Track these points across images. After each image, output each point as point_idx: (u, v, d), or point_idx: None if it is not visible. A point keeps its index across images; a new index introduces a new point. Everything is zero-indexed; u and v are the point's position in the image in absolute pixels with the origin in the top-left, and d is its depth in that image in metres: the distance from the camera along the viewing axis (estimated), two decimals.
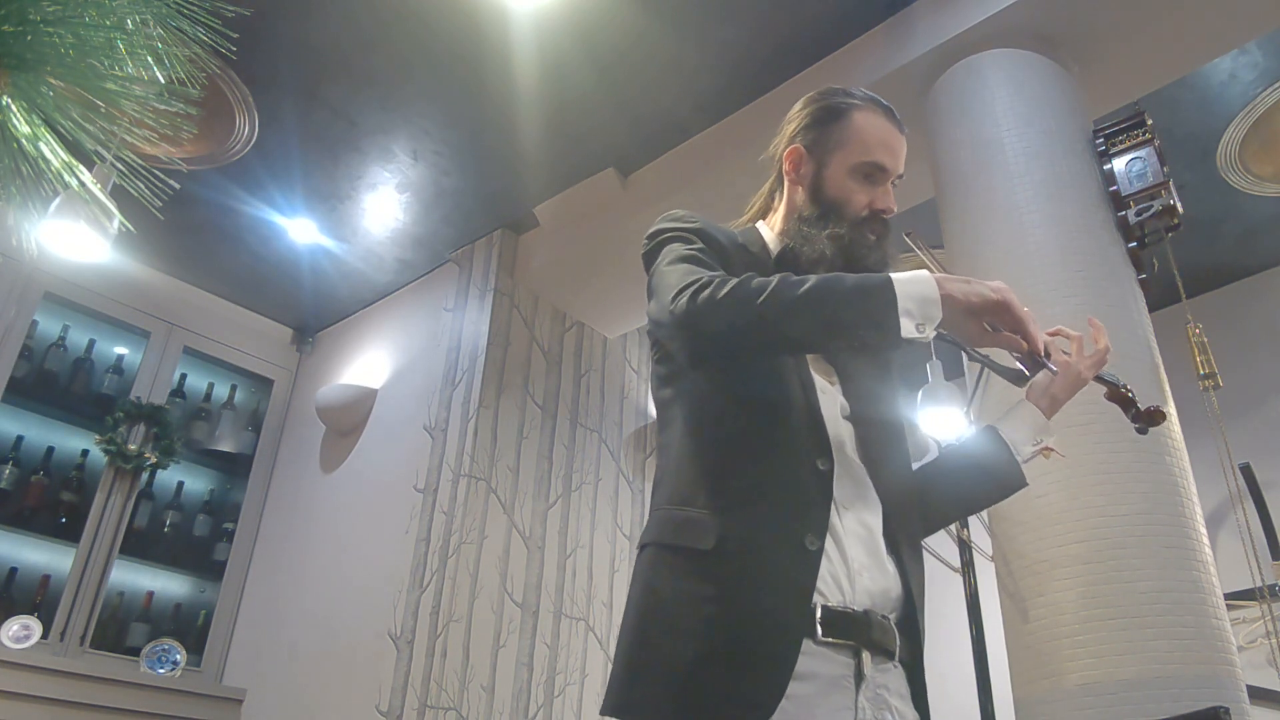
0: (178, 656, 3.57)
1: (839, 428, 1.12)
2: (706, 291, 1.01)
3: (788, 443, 1.07)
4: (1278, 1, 2.39)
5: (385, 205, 3.57)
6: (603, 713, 1.00)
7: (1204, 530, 1.92)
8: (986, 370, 2.15)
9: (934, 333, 0.99)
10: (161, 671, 3.52)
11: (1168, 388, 2.08)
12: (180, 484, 3.98)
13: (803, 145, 1.26)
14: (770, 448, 1.07)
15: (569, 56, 2.84)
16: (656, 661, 0.98)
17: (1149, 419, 1.25)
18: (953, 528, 2.58)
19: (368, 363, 4.03)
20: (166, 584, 3.90)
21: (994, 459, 1.23)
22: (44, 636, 3.27)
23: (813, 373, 1.14)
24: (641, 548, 1.09)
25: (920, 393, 2.82)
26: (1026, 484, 1.25)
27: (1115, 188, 2.28)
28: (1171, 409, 2.05)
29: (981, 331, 1.03)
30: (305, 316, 4.35)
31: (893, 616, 1.06)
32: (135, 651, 3.55)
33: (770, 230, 1.28)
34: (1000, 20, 2.47)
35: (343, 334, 4.31)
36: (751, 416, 1.09)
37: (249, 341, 4.26)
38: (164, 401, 3.84)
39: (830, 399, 1.14)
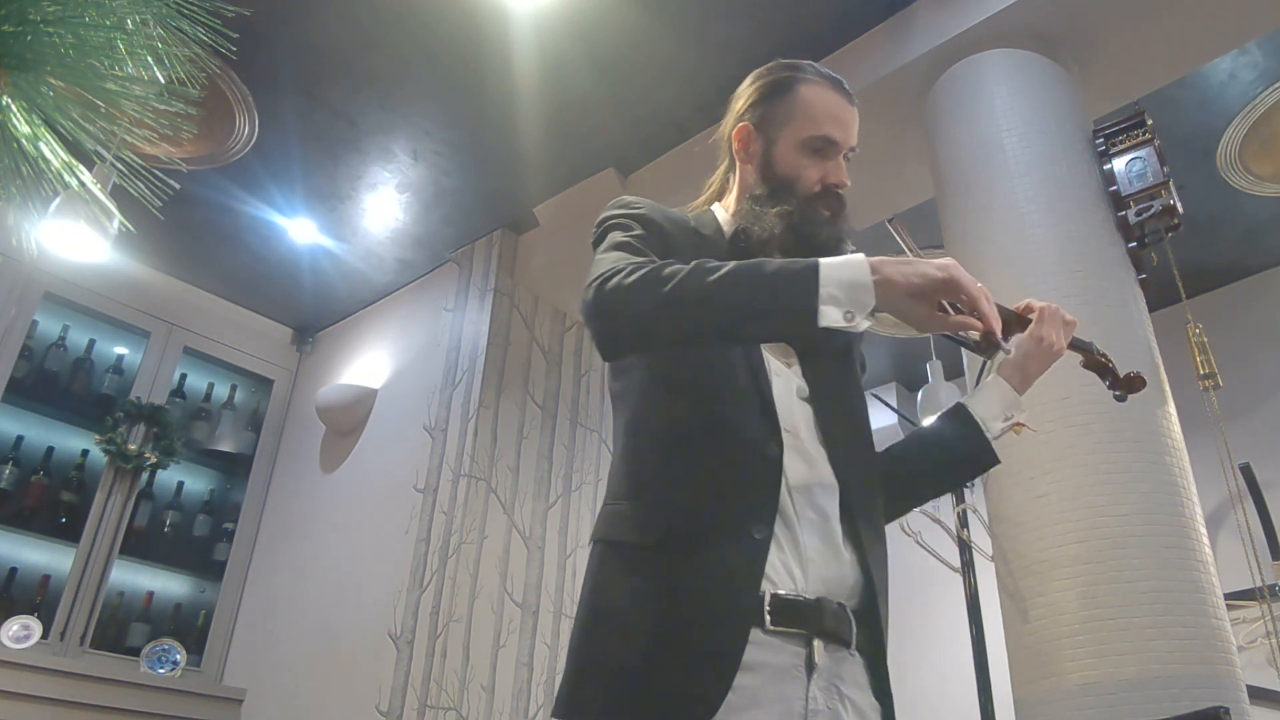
0: (178, 656, 3.57)
1: (794, 410, 1.09)
2: (616, 279, 0.98)
3: (733, 430, 1.03)
4: (1278, 1, 2.39)
5: (385, 205, 3.57)
6: (553, 714, 0.99)
7: (1204, 530, 1.92)
8: (989, 368, 2.15)
9: (866, 321, 0.93)
10: (161, 671, 3.52)
11: (1168, 388, 2.08)
12: (180, 484, 3.98)
13: (750, 122, 1.23)
14: (714, 436, 1.03)
15: (569, 56, 2.84)
16: (602, 661, 0.96)
17: (1129, 385, 1.22)
18: (953, 528, 2.58)
19: (368, 363, 4.03)
20: (166, 584, 3.90)
21: (963, 437, 1.20)
22: (44, 636, 3.27)
23: (767, 355, 1.11)
24: (592, 543, 1.07)
25: (920, 393, 2.82)
26: (999, 461, 1.21)
27: (1115, 188, 2.29)
28: (1171, 409, 2.05)
29: (930, 315, 0.95)
30: (305, 316, 4.35)
31: (850, 604, 1.02)
32: (135, 651, 3.55)
33: (725, 212, 1.25)
34: (1000, 20, 2.47)
35: (343, 334, 4.31)
36: (694, 405, 1.06)
37: (249, 341, 4.26)
38: (164, 401, 3.84)
39: (785, 381, 1.11)
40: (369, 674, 3.16)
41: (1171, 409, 2.05)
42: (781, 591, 0.97)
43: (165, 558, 3.84)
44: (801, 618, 0.97)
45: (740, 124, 1.24)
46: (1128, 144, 2.32)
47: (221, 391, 4.22)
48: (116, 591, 3.67)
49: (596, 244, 1.15)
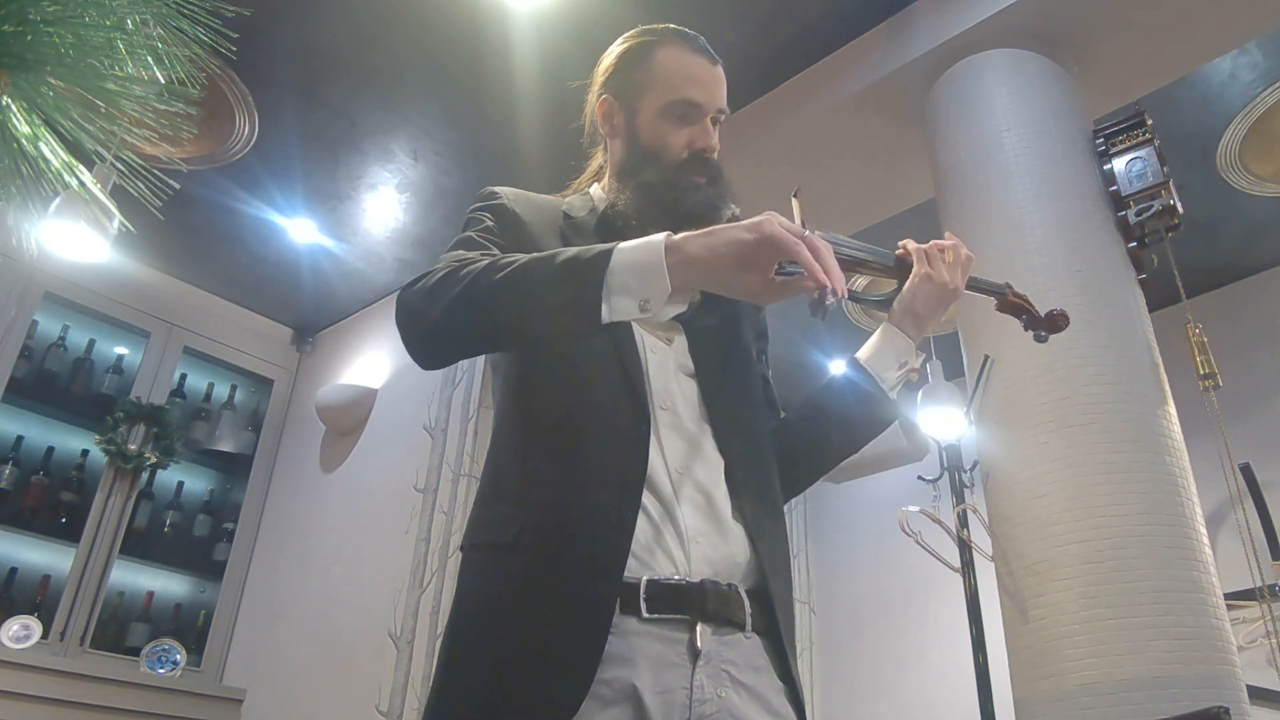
0: (178, 656, 3.57)
1: (671, 387, 1.03)
2: (420, 283, 0.93)
3: (596, 415, 0.97)
4: (1278, 1, 2.39)
5: (385, 205, 3.57)
6: None
7: (1204, 530, 1.92)
8: (988, 369, 2.15)
9: (672, 308, 0.86)
10: (161, 671, 3.52)
11: (1168, 388, 2.08)
12: (180, 484, 3.98)
13: (611, 94, 1.18)
14: (572, 424, 0.97)
15: (569, 56, 2.84)
16: (461, 673, 0.90)
17: (1050, 324, 1.15)
18: (953, 528, 2.58)
19: (368, 363, 4.03)
20: (166, 584, 3.90)
21: (860, 395, 1.12)
22: (44, 636, 3.27)
23: (642, 332, 1.04)
24: (460, 549, 1.01)
25: (920, 393, 2.82)
26: (896, 416, 1.15)
27: (1115, 188, 2.29)
28: (1171, 409, 2.05)
29: (767, 284, 0.85)
30: (305, 316, 4.35)
31: (745, 585, 0.96)
32: (135, 651, 3.55)
33: (601, 191, 1.19)
34: (1000, 20, 2.47)
35: (343, 334, 4.31)
36: (556, 393, 1.00)
37: (249, 341, 4.26)
38: (164, 401, 3.84)
39: (662, 358, 1.04)
40: (369, 674, 3.16)
41: (1171, 409, 2.05)
42: (659, 576, 0.91)
43: (165, 558, 3.84)
44: (681, 602, 0.90)
45: (601, 97, 1.19)
46: (1128, 144, 2.32)
47: (221, 391, 4.22)
48: (116, 591, 3.67)
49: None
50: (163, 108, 1.07)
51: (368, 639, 3.25)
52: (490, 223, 1.09)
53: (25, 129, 0.96)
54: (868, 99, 2.76)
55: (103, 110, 1.01)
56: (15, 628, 3.21)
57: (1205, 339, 2.27)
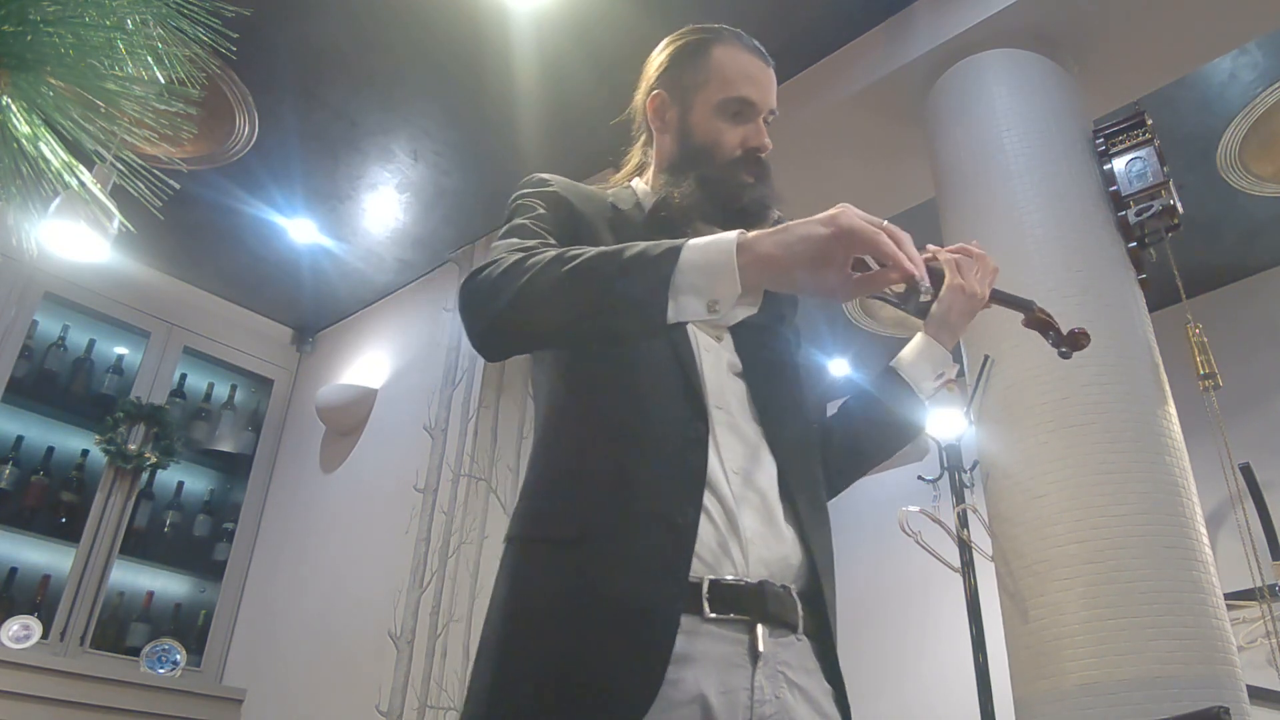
0: (178, 656, 3.57)
1: (724, 386, 1.02)
2: (485, 272, 0.91)
3: (652, 412, 0.96)
4: (1278, 2, 2.39)
5: (385, 205, 3.57)
6: None
7: (1204, 530, 1.92)
8: (988, 369, 2.15)
9: (741, 311, 0.83)
10: (161, 671, 3.52)
11: (1168, 388, 2.08)
12: (180, 484, 3.98)
13: (664, 89, 1.18)
14: (630, 420, 0.96)
15: (569, 56, 2.84)
16: (523, 669, 0.89)
17: (1073, 342, 1.17)
18: (953, 528, 2.58)
19: (368, 363, 4.03)
20: (166, 584, 3.90)
21: (898, 401, 1.14)
22: (44, 636, 3.27)
23: (694, 329, 1.04)
24: (506, 540, 1.00)
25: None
26: (925, 427, 1.17)
27: (1115, 188, 2.29)
28: (1171, 409, 2.05)
29: (844, 280, 0.82)
30: (305, 316, 4.35)
31: (794, 586, 0.96)
32: (135, 651, 3.55)
33: (645, 185, 1.19)
34: (1000, 20, 2.47)
35: (343, 334, 4.31)
36: (610, 389, 0.98)
37: (249, 341, 4.26)
38: (164, 401, 3.84)
39: (715, 356, 1.04)
40: (369, 674, 3.16)
41: (1171, 409, 2.05)
42: (720, 577, 0.90)
43: (165, 558, 3.84)
44: (743, 603, 0.90)
45: (654, 92, 1.19)
46: (1128, 144, 2.32)
47: (221, 391, 4.22)
48: (116, 591, 3.67)
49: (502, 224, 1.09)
50: (163, 108, 1.07)
51: (368, 639, 3.25)
52: (543, 210, 1.07)
53: (25, 129, 0.96)
54: (868, 99, 2.76)
55: (103, 110, 1.01)
56: (15, 628, 3.21)
57: (1205, 339, 2.27)
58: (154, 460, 3.68)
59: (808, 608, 0.96)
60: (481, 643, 0.96)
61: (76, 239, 2.29)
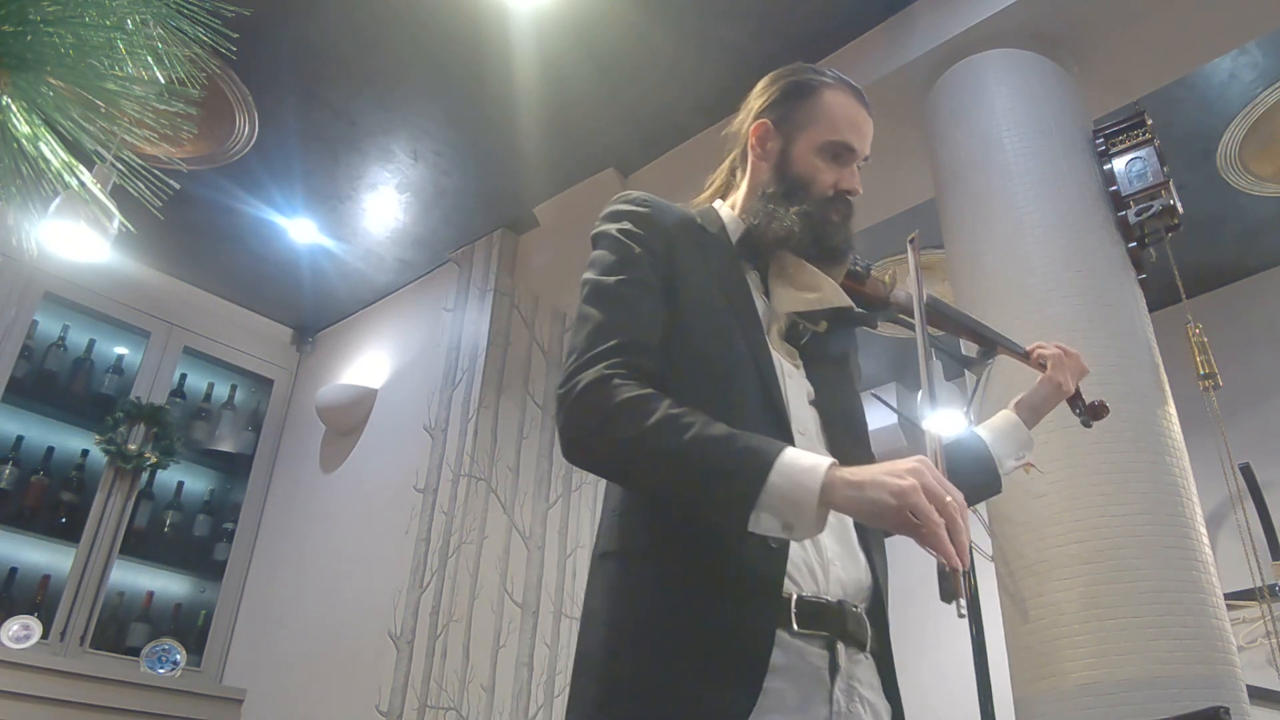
0: (178, 656, 3.57)
1: (804, 413, 1.08)
2: (599, 392, 0.96)
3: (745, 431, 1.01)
4: (1278, 2, 2.39)
5: (385, 205, 3.57)
6: None
7: (1204, 530, 1.92)
8: (987, 371, 2.15)
9: (812, 531, 0.89)
10: (161, 671, 3.52)
11: (1168, 388, 2.08)
12: (180, 484, 3.98)
13: (770, 121, 1.22)
14: None
15: (569, 56, 2.84)
16: (631, 678, 0.93)
17: (1094, 413, 1.29)
18: None
19: (368, 363, 4.03)
20: (166, 584, 3.90)
21: (977, 468, 1.22)
22: (44, 636, 3.27)
23: (777, 356, 1.09)
24: (601, 556, 1.04)
25: (920, 393, 2.81)
26: (1000, 490, 1.26)
27: (1115, 188, 2.29)
28: (1171, 409, 2.05)
29: (898, 529, 0.89)
30: (305, 316, 4.35)
31: (862, 607, 1.02)
32: (135, 651, 3.55)
33: (730, 209, 1.23)
34: (1000, 20, 2.47)
35: (343, 334, 4.31)
36: (704, 406, 1.01)
37: (249, 341, 4.26)
38: (164, 401, 3.84)
39: (797, 383, 1.10)
40: (369, 674, 3.16)
41: (1171, 409, 2.05)
42: (805, 594, 0.96)
43: (165, 558, 3.84)
44: (825, 620, 0.96)
45: (759, 121, 1.23)
46: (1128, 144, 2.32)
47: (221, 391, 4.22)
48: (116, 591, 3.67)
49: (595, 245, 1.12)
50: (163, 108, 1.07)
51: (368, 639, 3.25)
52: (638, 249, 1.08)
53: (25, 129, 0.96)
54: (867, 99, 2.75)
55: (103, 110, 1.01)
56: (15, 628, 3.21)
57: (1205, 339, 2.27)
58: (154, 460, 3.68)
59: (873, 628, 1.02)
60: (580, 657, 1.00)
61: (76, 239, 2.29)
